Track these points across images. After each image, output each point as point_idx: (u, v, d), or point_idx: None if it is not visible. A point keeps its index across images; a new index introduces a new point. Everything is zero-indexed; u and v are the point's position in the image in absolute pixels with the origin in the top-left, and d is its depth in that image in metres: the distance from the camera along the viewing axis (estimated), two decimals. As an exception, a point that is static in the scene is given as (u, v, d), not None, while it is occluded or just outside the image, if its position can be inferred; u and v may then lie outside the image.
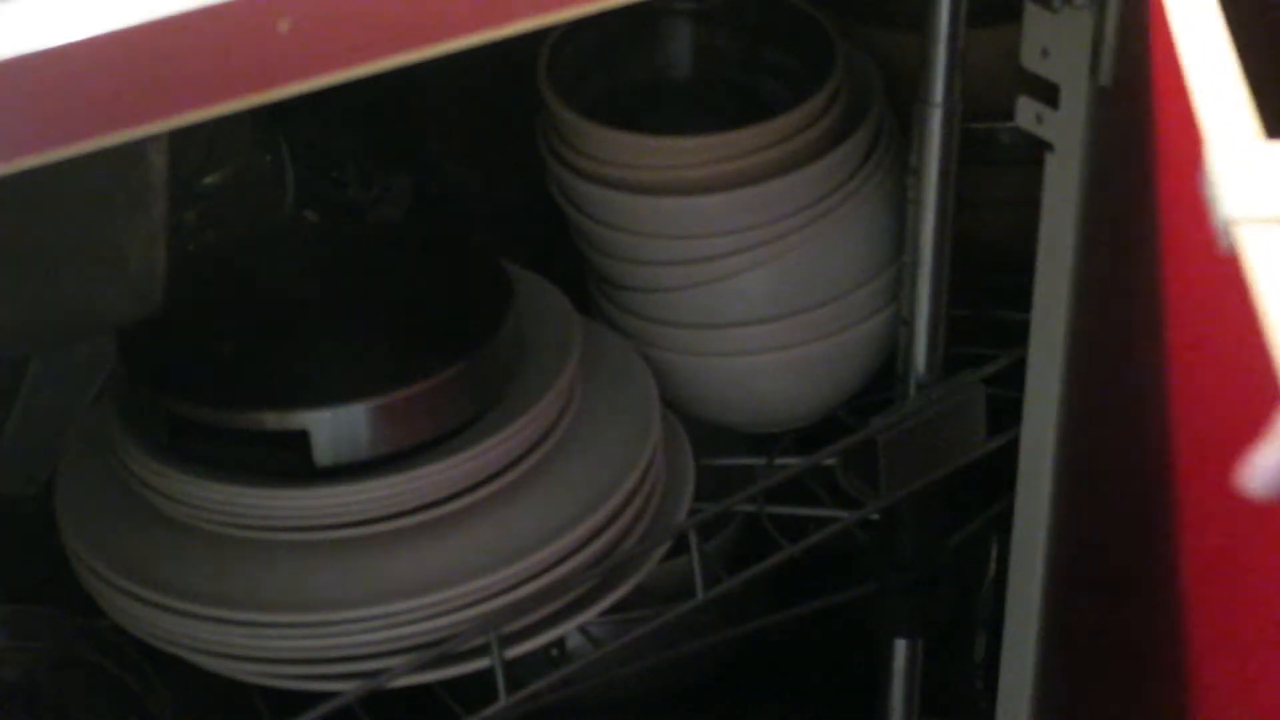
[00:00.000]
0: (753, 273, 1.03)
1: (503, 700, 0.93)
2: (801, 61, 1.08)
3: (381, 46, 0.66)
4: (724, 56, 1.13)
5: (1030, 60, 0.94)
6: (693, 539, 0.99)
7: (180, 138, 0.70)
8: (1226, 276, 0.62)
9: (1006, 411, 1.08)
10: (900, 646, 1.18)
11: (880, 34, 1.14)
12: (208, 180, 1.06)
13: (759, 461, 1.15)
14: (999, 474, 1.10)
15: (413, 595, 0.91)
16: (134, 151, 0.76)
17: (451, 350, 0.94)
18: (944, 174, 1.02)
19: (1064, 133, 0.95)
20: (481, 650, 0.92)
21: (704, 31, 1.13)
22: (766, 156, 1.01)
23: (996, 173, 1.17)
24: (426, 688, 0.95)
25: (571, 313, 1.03)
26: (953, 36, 0.98)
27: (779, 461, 1.13)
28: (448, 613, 0.91)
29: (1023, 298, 1.02)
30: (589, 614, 0.96)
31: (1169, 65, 0.70)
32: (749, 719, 1.33)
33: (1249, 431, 0.87)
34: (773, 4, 1.10)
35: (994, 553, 1.27)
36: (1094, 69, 0.90)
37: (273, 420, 0.91)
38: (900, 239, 1.06)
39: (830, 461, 1.09)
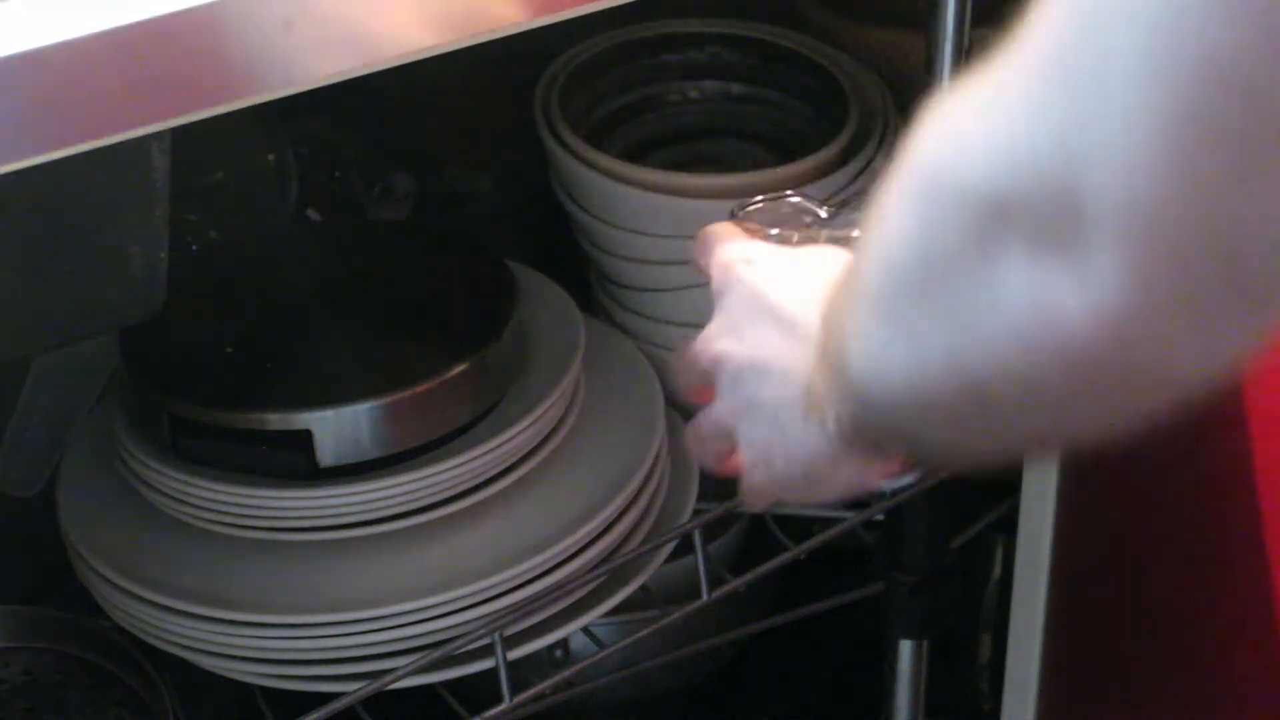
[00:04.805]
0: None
1: (506, 701, 0.92)
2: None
3: (383, 45, 0.66)
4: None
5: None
6: (697, 540, 0.99)
7: (183, 137, 0.70)
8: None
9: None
10: (906, 647, 1.18)
11: (879, 33, 1.14)
12: (210, 179, 1.06)
13: (763, 462, 1.15)
14: (1004, 475, 1.09)
15: (416, 596, 0.90)
16: (136, 151, 0.75)
17: (455, 350, 0.94)
18: (949, 173, 1.02)
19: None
20: (485, 651, 0.92)
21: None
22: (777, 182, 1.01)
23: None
24: (430, 688, 0.94)
25: (575, 312, 1.03)
26: (958, 36, 0.97)
27: (783, 462, 1.13)
28: (451, 613, 0.91)
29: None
30: (593, 615, 0.96)
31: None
32: (753, 720, 1.32)
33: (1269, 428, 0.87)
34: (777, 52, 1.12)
35: (999, 553, 1.27)
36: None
37: (275, 420, 0.91)
38: (905, 238, 1.06)
39: (835, 462, 1.09)
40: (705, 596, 1.00)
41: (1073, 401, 0.48)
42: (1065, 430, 0.52)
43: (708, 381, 0.70)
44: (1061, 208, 0.42)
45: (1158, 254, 0.42)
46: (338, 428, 0.91)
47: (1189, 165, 0.41)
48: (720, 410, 0.70)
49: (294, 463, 0.91)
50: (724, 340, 0.68)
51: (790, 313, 0.65)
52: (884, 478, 0.69)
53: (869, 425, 0.57)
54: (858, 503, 1.10)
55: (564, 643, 1.09)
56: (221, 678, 0.93)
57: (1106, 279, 0.42)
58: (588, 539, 0.95)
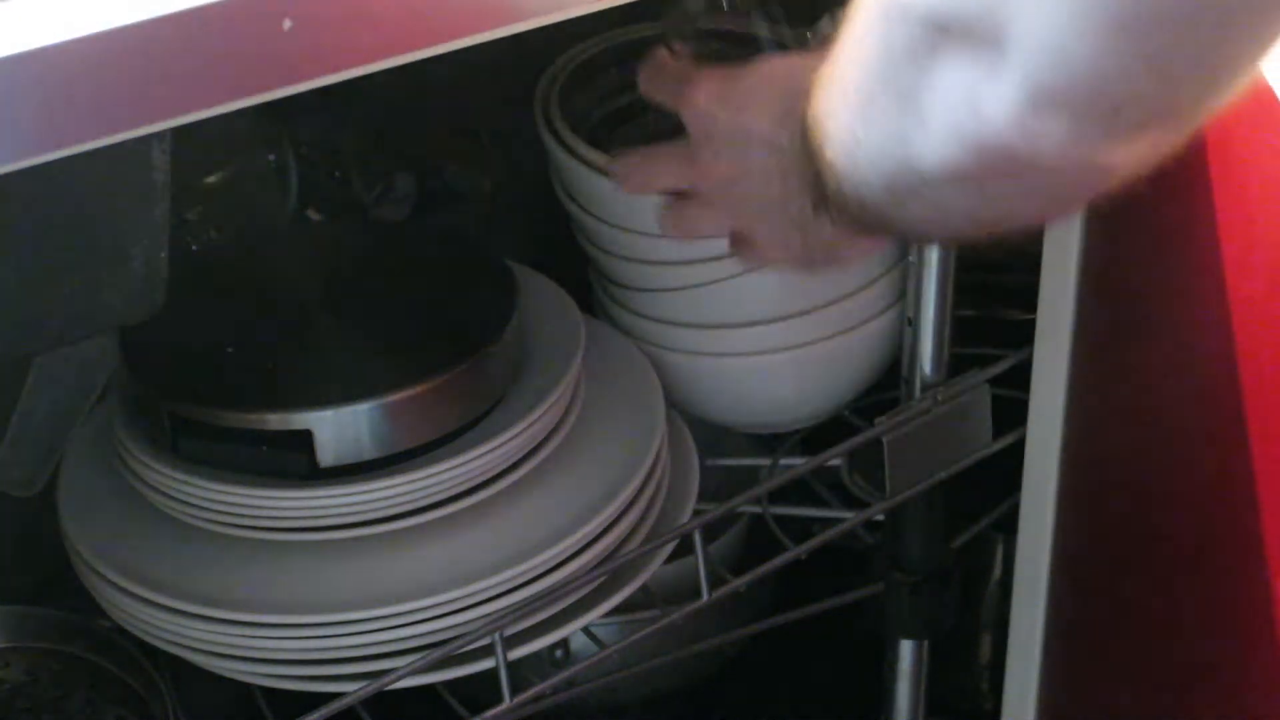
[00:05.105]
0: (757, 272, 1.02)
1: (506, 701, 0.92)
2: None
3: (384, 45, 0.66)
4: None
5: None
6: (697, 540, 0.99)
7: (183, 136, 0.70)
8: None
9: (1012, 412, 1.08)
10: (906, 647, 1.18)
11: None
12: (210, 179, 1.06)
13: (764, 462, 1.15)
14: (1004, 474, 1.09)
15: (416, 596, 0.90)
16: (137, 150, 0.75)
17: (455, 350, 0.94)
18: (950, 173, 1.02)
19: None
20: (485, 651, 0.92)
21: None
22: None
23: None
24: (430, 689, 0.94)
25: (576, 312, 1.03)
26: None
27: (784, 462, 1.13)
28: (451, 613, 0.91)
29: (1028, 297, 1.02)
30: (593, 615, 0.96)
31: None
32: (753, 720, 1.32)
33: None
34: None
35: (999, 553, 1.27)
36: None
37: (276, 420, 0.91)
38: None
39: (835, 462, 1.09)
40: (705, 596, 1.00)
41: (990, 185, 0.61)
42: (990, 213, 0.65)
43: (713, 201, 0.87)
44: (988, 31, 0.55)
45: (1055, 85, 0.55)
46: (338, 428, 0.91)
47: (1085, 40, 0.53)
48: (737, 220, 0.86)
49: (294, 463, 0.91)
50: (722, 167, 0.84)
51: (770, 134, 0.80)
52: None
53: (854, 211, 0.69)
54: (858, 503, 1.10)
55: (564, 643, 1.09)
56: (221, 678, 0.93)
57: (1017, 87, 0.55)
58: (588, 539, 0.95)
